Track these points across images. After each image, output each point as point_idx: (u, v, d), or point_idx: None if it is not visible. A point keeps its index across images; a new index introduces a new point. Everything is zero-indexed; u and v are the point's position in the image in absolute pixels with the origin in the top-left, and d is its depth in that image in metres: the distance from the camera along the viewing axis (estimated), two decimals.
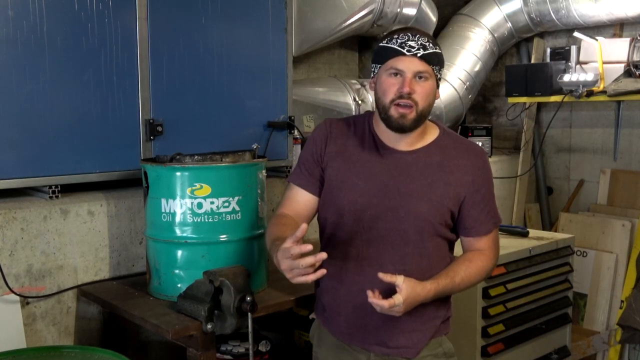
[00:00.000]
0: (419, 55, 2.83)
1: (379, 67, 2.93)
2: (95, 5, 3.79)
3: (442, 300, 3.04)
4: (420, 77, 2.85)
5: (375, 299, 2.70)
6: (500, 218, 3.16)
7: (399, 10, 5.75)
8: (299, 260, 2.55)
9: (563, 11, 6.22)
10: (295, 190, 3.14)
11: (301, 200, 3.12)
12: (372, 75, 3.01)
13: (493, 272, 3.29)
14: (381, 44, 2.94)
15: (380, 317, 2.88)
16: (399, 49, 2.84)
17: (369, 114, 3.14)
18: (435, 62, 2.88)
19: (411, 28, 2.96)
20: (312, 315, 3.31)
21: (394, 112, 2.86)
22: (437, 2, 6.29)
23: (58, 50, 3.70)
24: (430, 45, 2.86)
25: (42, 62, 3.66)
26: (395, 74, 2.86)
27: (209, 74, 4.28)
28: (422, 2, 5.95)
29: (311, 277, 2.59)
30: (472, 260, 3.03)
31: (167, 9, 4.07)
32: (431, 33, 6.31)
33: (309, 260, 2.54)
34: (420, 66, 2.84)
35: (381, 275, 2.72)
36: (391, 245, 2.94)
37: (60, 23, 3.70)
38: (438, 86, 2.96)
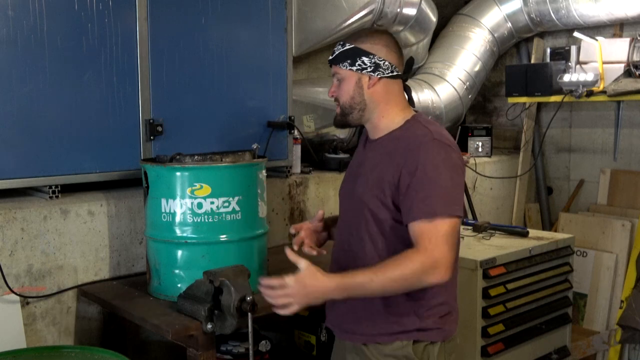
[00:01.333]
0: (329, 62, 3.10)
1: None
2: (96, 6, 3.80)
3: (399, 302, 2.92)
4: (338, 80, 3.06)
5: (264, 280, 2.77)
6: (445, 210, 2.77)
7: (399, 10, 5.74)
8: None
9: (563, 11, 6.22)
10: None
11: None
12: None
13: (437, 274, 2.75)
14: None
15: (336, 301, 2.99)
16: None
17: None
18: (342, 59, 3.01)
19: (351, 35, 3.13)
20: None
21: None
22: (437, 2, 6.29)
23: (58, 50, 3.70)
24: (339, 47, 3.03)
25: (42, 62, 3.66)
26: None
27: (209, 74, 4.28)
28: (422, 2, 5.94)
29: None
30: (399, 255, 2.76)
31: (167, 9, 4.08)
32: (431, 33, 6.33)
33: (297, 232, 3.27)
34: (332, 70, 3.08)
35: (288, 252, 2.78)
36: (347, 227, 3.08)
37: (60, 23, 3.71)
38: (366, 74, 2.99)
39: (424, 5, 5.98)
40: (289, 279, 2.68)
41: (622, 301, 5.88)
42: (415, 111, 3.11)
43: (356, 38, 3.03)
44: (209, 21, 4.24)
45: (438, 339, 3.00)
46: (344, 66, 3.00)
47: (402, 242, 2.86)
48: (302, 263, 2.71)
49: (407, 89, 3.12)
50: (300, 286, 2.69)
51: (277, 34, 4.62)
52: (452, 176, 2.84)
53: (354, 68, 2.98)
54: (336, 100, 3.08)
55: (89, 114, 3.84)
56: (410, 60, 3.24)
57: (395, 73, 3.01)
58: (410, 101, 3.12)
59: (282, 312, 2.77)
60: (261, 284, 2.75)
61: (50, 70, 3.69)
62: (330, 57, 3.05)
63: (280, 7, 4.61)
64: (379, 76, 2.99)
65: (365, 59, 2.97)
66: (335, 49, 3.03)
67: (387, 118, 3.04)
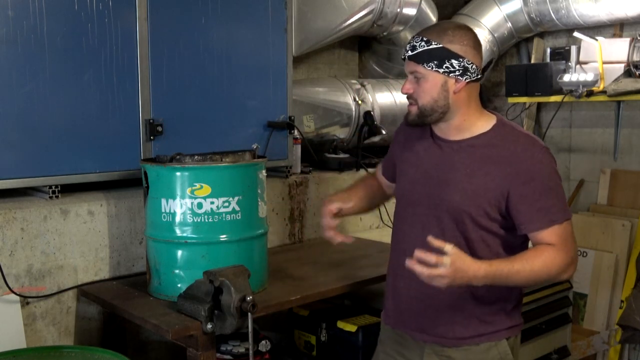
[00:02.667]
0: (407, 57, 2.94)
1: None
2: (95, 5, 3.79)
3: (492, 303, 3.01)
4: (415, 77, 2.93)
5: (413, 263, 2.65)
6: (565, 215, 2.90)
7: (399, 10, 5.75)
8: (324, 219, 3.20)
9: (563, 11, 6.22)
10: (378, 168, 3.58)
11: (380, 178, 3.54)
12: None
13: (570, 270, 2.93)
14: None
15: (421, 305, 3.03)
16: (403, 52, 3.00)
17: None
18: (426, 58, 2.88)
19: (424, 29, 3.00)
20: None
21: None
22: (437, 2, 6.29)
23: (58, 50, 3.70)
24: (423, 43, 2.89)
25: (42, 62, 3.66)
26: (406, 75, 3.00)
27: (209, 74, 4.28)
28: (422, 2, 5.95)
29: (330, 235, 3.22)
30: (538, 249, 2.87)
31: (167, 9, 4.08)
32: None
33: (327, 221, 3.22)
34: (411, 67, 2.94)
35: (430, 238, 2.68)
36: (428, 232, 2.87)
37: (60, 23, 3.70)
38: (453, 77, 2.90)
39: (424, 5, 5.98)
40: (446, 259, 2.61)
41: (622, 301, 5.89)
42: (490, 111, 3.09)
43: (442, 35, 2.88)
44: (209, 21, 4.24)
45: (518, 332, 3.16)
46: (428, 66, 2.88)
47: (502, 244, 2.97)
48: (449, 247, 2.64)
49: (480, 89, 3.07)
50: (453, 268, 2.63)
51: (277, 33, 4.62)
52: (560, 180, 2.96)
53: (441, 70, 2.88)
54: (410, 97, 2.98)
55: (89, 114, 3.84)
56: (490, 62, 3.21)
57: (480, 76, 2.96)
58: (482, 101, 3.08)
59: (430, 282, 2.67)
60: (415, 257, 2.64)
61: (50, 70, 3.69)
62: (410, 53, 2.91)
63: (280, 7, 4.61)
64: (466, 80, 2.91)
65: (454, 61, 2.87)
66: (416, 44, 2.90)
67: (469, 121, 2.99)
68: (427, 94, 2.91)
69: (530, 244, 3.00)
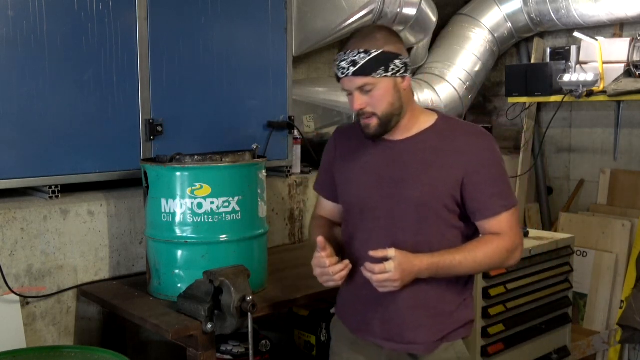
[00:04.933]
0: (350, 74, 2.86)
1: None
2: (95, 6, 3.80)
3: (451, 297, 3.01)
4: (365, 90, 2.87)
5: (365, 269, 2.77)
6: (514, 201, 2.96)
7: (399, 10, 5.74)
8: (330, 269, 2.89)
9: (563, 11, 6.22)
10: (319, 203, 3.40)
11: (325, 205, 3.34)
12: None
13: (515, 256, 2.98)
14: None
15: (386, 311, 2.98)
16: (337, 72, 2.92)
17: None
18: (373, 68, 2.84)
19: (349, 43, 2.92)
20: (332, 310, 3.32)
21: (361, 122, 2.96)
22: (437, 2, 6.29)
23: (58, 50, 3.71)
24: (362, 55, 2.83)
25: (42, 62, 3.66)
26: (348, 93, 2.94)
27: (209, 73, 4.29)
28: (422, 2, 5.94)
29: (339, 282, 2.94)
30: (482, 240, 2.94)
31: (167, 9, 4.08)
32: (431, 33, 6.33)
33: (337, 267, 2.89)
34: (358, 82, 2.86)
35: (372, 252, 2.75)
36: (390, 234, 2.93)
37: (60, 23, 3.71)
38: (401, 76, 2.90)
39: (424, 5, 5.97)
40: (389, 266, 2.72)
41: (622, 301, 5.89)
42: (427, 108, 3.12)
43: (375, 42, 2.86)
44: (209, 21, 4.25)
45: (470, 331, 3.15)
46: (378, 74, 2.83)
47: (459, 235, 2.99)
48: (391, 251, 2.74)
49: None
50: (400, 270, 2.73)
51: (277, 33, 4.63)
52: (505, 167, 3.02)
53: (390, 74, 2.85)
54: (364, 114, 2.91)
55: (89, 114, 3.84)
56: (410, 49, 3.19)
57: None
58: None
59: (383, 290, 2.80)
60: (363, 271, 2.78)
61: (50, 70, 3.69)
62: (354, 69, 2.83)
63: (280, 6, 4.62)
64: (409, 75, 2.95)
65: (397, 61, 2.87)
66: (355, 58, 2.83)
67: (415, 117, 3.00)
68: (384, 102, 2.88)
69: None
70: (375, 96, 2.87)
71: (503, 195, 2.93)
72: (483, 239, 2.94)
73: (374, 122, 2.91)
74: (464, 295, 3.06)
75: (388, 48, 2.87)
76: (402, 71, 2.89)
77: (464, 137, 2.95)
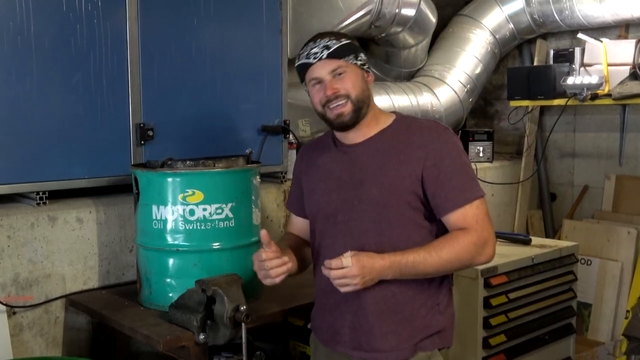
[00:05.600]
0: (324, 57, 2.93)
1: (305, 84, 3.09)
2: (84, 6, 3.81)
3: (421, 300, 2.97)
4: (339, 74, 2.94)
5: (324, 267, 2.76)
6: (479, 193, 2.94)
7: (397, 11, 5.76)
8: (266, 262, 2.89)
9: (567, 12, 6.24)
10: (291, 220, 3.43)
11: (297, 223, 3.37)
12: (309, 96, 3.10)
13: (487, 252, 2.93)
14: (296, 64, 3.08)
15: (354, 318, 2.98)
16: (306, 60, 2.98)
17: None
18: (346, 53, 2.95)
19: (314, 37, 3.04)
20: (309, 325, 3.32)
21: (330, 114, 2.97)
22: (437, 2, 6.31)
23: (46, 52, 3.72)
24: (334, 41, 2.95)
25: (29, 64, 3.67)
26: (317, 83, 2.99)
27: (202, 76, 4.30)
28: (421, 2, 5.96)
29: (275, 280, 2.93)
30: (447, 236, 2.92)
31: (158, 10, 4.10)
32: (430, 34, 6.34)
33: (274, 262, 2.89)
34: (332, 65, 2.94)
35: (326, 262, 2.76)
36: (352, 238, 2.95)
37: (48, 24, 3.72)
38: (368, 71, 3.04)
39: (423, 6, 5.99)
40: (346, 260, 2.71)
41: (627, 311, 5.90)
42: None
43: (340, 35, 3.01)
44: (201, 22, 4.26)
45: (451, 342, 3.10)
46: (349, 59, 2.94)
47: (427, 236, 2.97)
48: (347, 253, 2.74)
49: None
50: (357, 267, 2.71)
51: (272, 35, 4.64)
52: (468, 159, 3.05)
53: (359, 63, 2.98)
54: (339, 96, 2.93)
55: (78, 118, 3.85)
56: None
57: None
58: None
59: (344, 290, 2.77)
60: (323, 269, 2.77)
61: (38, 72, 3.70)
62: (327, 52, 2.93)
63: (275, 7, 4.63)
64: (371, 72, 3.07)
65: (362, 55, 3.00)
66: (328, 43, 2.93)
67: (375, 117, 3.06)
68: (356, 86, 2.95)
69: None
70: (348, 79, 2.94)
71: (465, 187, 2.93)
72: (449, 235, 2.92)
73: (348, 107, 2.94)
74: (436, 299, 3.03)
75: (353, 42, 3.02)
76: (366, 66, 3.03)
77: (420, 132, 2.99)
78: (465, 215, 2.90)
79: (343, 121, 2.96)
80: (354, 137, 3.04)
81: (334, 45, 2.93)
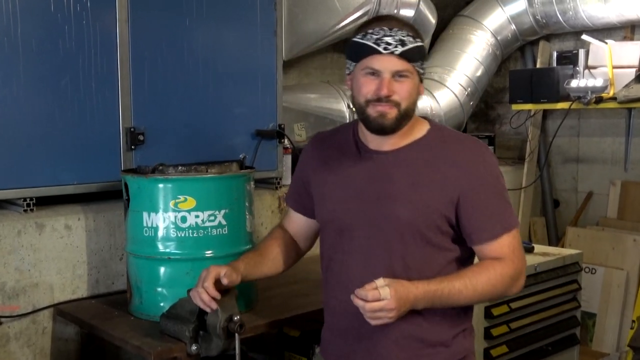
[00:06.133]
0: (397, 53, 2.66)
1: (354, 65, 2.78)
2: (73, 7, 3.81)
3: (447, 327, 2.82)
4: (401, 76, 2.68)
5: (356, 297, 2.55)
6: (516, 221, 2.81)
7: (395, 11, 5.78)
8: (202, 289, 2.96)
9: (570, 12, 6.26)
10: (288, 214, 3.30)
11: (295, 219, 3.24)
12: (347, 72, 2.85)
13: (519, 284, 2.81)
14: (354, 39, 2.76)
15: (370, 343, 2.81)
16: (374, 46, 2.68)
17: (356, 120, 2.97)
18: (417, 57, 2.71)
19: (388, 18, 2.76)
20: (318, 349, 3.24)
21: (371, 111, 2.72)
22: (437, 3, 6.32)
23: (33, 54, 3.72)
24: (410, 39, 2.68)
25: (15, 66, 3.67)
26: (372, 73, 2.70)
27: (194, 79, 4.30)
28: (421, 2, 5.97)
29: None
30: (482, 265, 2.76)
31: (149, 11, 4.10)
32: (430, 36, 6.36)
33: (206, 294, 2.97)
34: (399, 65, 2.67)
35: (360, 292, 2.55)
36: (373, 257, 2.78)
37: (35, 25, 3.72)
38: (421, 81, 2.79)
39: (422, 7, 6.01)
40: (384, 292, 2.52)
41: (633, 321, 5.91)
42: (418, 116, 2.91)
43: (415, 31, 2.74)
44: (193, 23, 4.26)
45: None
46: (417, 65, 2.72)
47: (453, 260, 2.82)
48: (380, 280, 2.56)
49: None
50: (395, 299, 2.54)
51: (266, 36, 4.64)
52: (504, 182, 2.87)
53: (420, 71, 2.76)
54: (389, 100, 2.68)
55: (66, 122, 3.85)
56: None
57: None
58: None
59: (376, 322, 2.58)
60: (354, 294, 2.56)
61: (25, 75, 3.70)
62: (401, 49, 2.65)
63: (270, 8, 4.64)
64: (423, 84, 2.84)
65: (425, 63, 2.81)
66: (404, 38, 2.66)
67: (411, 125, 2.81)
68: (411, 97, 2.72)
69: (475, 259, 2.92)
70: (406, 87, 2.70)
71: (503, 215, 2.78)
72: (484, 265, 2.76)
73: (393, 113, 2.69)
74: (462, 324, 2.90)
75: (424, 43, 2.79)
76: (423, 76, 2.80)
77: (458, 149, 2.80)
78: (501, 246, 2.75)
79: (383, 123, 2.71)
80: (383, 143, 2.82)
81: (410, 43, 2.67)
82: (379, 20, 2.76)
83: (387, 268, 2.72)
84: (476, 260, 2.90)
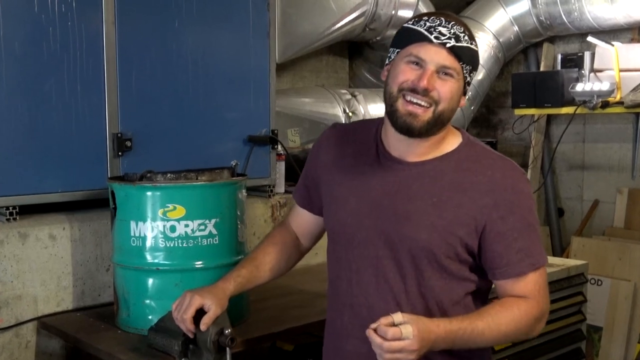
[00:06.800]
0: (448, 45, 2.50)
1: (397, 53, 2.61)
2: (58, 7, 3.82)
3: (465, 354, 2.65)
4: (445, 73, 2.52)
5: (373, 334, 2.33)
6: (545, 259, 2.64)
7: (393, 12, 5.79)
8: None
9: (575, 13, 6.27)
10: (293, 210, 3.17)
11: (301, 216, 3.11)
12: (386, 62, 2.68)
13: (540, 326, 2.66)
14: (405, 25, 2.61)
15: None
16: (426, 33, 2.51)
17: (381, 118, 2.79)
18: (468, 59, 2.55)
19: (447, 14, 2.60)
20: None
21: (402, 105, 2.55)
22: (436, 3, 6.34)
23: (16, 56, 3.73)
24: (466, 37, 2.54)
25: None
26: (415, 63, 2.54)
27: (184, 83, 4.31)
28: (420, 3, 5.99)
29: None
30: (505, 304, 2.58)
31: (137, 12, 4.11)
32: None
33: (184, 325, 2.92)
34: (447, 60, 2.51)
35: (380, 328, 2.32)
36: (386, 282, 2.63)
37: (19, 26, 3.73)
38: (466, 91, 2.64)
39: (421, 7, 6.02)
40: (406, 331, 2.30)
41: None
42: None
43: (473, 37, 2.60)
44: (183, 24, 4.27)
45: None
46: (465, 68, 2.56)
47: (472, 290, 2.68)
48: (398, 316, 2.33)
49: None
50: (418, 339, 2.32)
51: (259, 38, 4.65)
52: (537, 215, 2.72)
53: (468, 79, 2.61)
54: (427, 96, 2.51)
55: (51, 127, 3.86)
56: None
57: None
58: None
59: None
60: (371, 329, 2.34)
61: (7, 78, 3.71)
62: (455, 43, 2.51)
63: (263, 9, 4.64)
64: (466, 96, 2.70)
65: (474, 72, 2.65)
66: (460, 34, 2.53)
67: (443, 137, 2.66)
68: (451, 99, 2.56)
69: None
70: (450, 88, 2.54)
71: (532, 250, 2.60)
72: (507, 303, 2.59)
73: (427, 115, 2.52)
74: (482, 354, 2.78)
75: (478, 53, 2.65)
76: (469, 86, 2.65)
77: (490, 172, 2.61)
78: (527, 283, 2.59)
79: (412, 124, 2.54)
80: (408, 151, 2.65)
81: (465, 42, 2.53)
82: (437, 13, 2.60)
83: (401, 294, 2.61)
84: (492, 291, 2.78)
